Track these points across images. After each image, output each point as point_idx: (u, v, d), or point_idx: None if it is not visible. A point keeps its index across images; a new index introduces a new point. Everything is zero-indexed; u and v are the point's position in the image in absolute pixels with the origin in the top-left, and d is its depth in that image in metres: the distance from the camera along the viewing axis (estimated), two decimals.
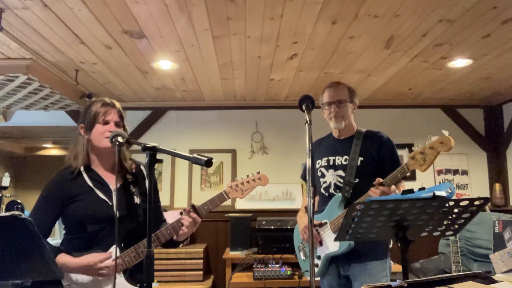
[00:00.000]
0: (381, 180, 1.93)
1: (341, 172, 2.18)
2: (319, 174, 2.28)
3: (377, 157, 2.15)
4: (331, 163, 2.23)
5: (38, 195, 1.70)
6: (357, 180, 2.13)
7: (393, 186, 1.95)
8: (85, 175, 1.70)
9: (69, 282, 1.59)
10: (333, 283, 2.18)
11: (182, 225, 1.70)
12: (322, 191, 2.26)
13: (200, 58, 3.05)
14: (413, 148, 1.86)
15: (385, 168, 2.07)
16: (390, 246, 2.21)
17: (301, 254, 2.37)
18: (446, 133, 1.73)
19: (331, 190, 2.21)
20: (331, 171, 2.22)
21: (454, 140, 1.74)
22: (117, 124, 1.72)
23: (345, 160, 2.19)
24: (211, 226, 4.15)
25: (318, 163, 2.29)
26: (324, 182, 2.25)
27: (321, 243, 2.18)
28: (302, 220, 2.30)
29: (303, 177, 2.41)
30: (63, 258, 1.59)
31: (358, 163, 2.15)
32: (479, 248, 3.33)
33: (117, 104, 1.76)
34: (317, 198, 2.36)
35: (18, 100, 3.63)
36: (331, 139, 2.32)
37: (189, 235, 1.76)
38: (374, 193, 1.92)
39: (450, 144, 1.72)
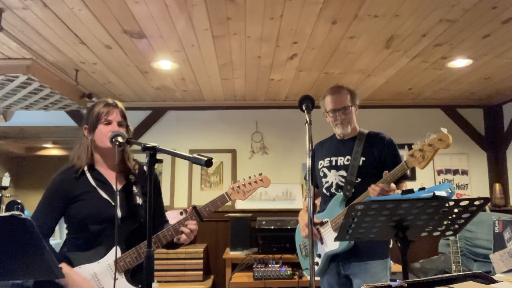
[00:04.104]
0: (387, 172, 1.95)
1: (343, 172, 2.20)
2: (321, 174, 2.29)
3: (378, 157, 2.17)
4: (333, 163, 2.25)
5: (38, 195, 1.70)
6: (359, 179, 2.14)
7: (392, 184, 1.96)
8: (88, 175, 1.70)
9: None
10: (333, 282, 2.18)
11: (182, 232, 1.69)
12: (324, 190, 2.27)
13: (200, 58, 3.05)
14: (412, 146, 1.87)
15: (387, 168, 2.07)
16: (390, 246, 2.21)
17: (302, 253, 2.37)
18: (444, 130, 1.74)
19: (333, 190, 2.22)
20: (333, 171, 2.23)
21: (454, 140, 1.75)
22: (120, 124, 1.72)
23: (347, 160, 2.20)
24: (211, 226, 4.15)
25: (321, 163, 2.31)
26: (326, 182, 2.26)
27: (321, 242, 2.19)
28: (303, 218, 2.31)
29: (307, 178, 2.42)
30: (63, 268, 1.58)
31: (360, 163, 2.16)
32: (479, 248, 3.33)
33: (120, 104, 1.77)
34: (320, 199, 2.38)
35: (18, 100, 3.63)
36: (334, 140, 2.34)
37: (188, 241, 1.76)
38: (374, 190, 1.93)
39: (448, 141, 1.73)
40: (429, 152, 1.80)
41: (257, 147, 4.39)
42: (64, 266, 1.57)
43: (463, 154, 4.39)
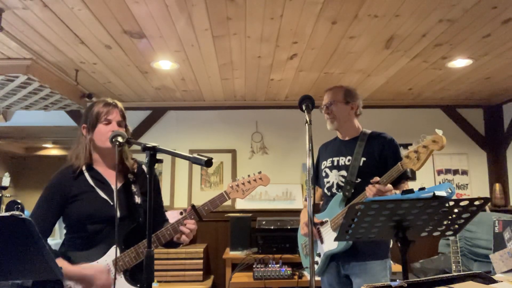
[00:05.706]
0: (378, 178, 1.94)
1: (344, 172, 2.20)
2: (324, 174, 2.31)
3: (379, 157, 2.16)
4: (335, 163, 2.26)
5: (38, 195, 1.69)
6: (359, 180, 2.15)
7: (389, 185, 1.95)
8: (86, 174, 1.70)
9: (70, 283, 1.59)
10: (333, 281, 2.19)
11: (182, 232, 1.69)
12: (325, 190, 2.29)
13: (200, 58, 3.05)
14: (408, 147, 1.88)
15: (388, 168, 2.07)
16: (390, 246, 2.21)
17: (304, 251, 2.39)
18: (440, 132, 1.75)
19: (334, 190, 2.23)
20: (334, 171, 2.25)
21: (454, 140, 1.75)
22: (119, 124, 1.72)
23: (348, 160, 2.21)
24: (211, 226, 4.15)
25: (323, 164, 2.33)
26: (328, 182, 2.27)
27: (321, 241, 2.19)
28: (303, 216, 2.34)
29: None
30: (60, 264, 1.58)
31: (361, 163, 2.16)
32: (479, 248, 3.33)
33: (119, 104, 1.77)
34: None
35: (18, 100, 3.63)
36: (337, 141, 2.36)
37: (188, 241, 1.75)
38: (370, 190, 1.93)
39: (442, 143, 1.74)
40: (424, 153, 1.81)
41: (257, 147, 4.39)
42: (60, 261, 1.57)
43: (463, 154, 4.38)
